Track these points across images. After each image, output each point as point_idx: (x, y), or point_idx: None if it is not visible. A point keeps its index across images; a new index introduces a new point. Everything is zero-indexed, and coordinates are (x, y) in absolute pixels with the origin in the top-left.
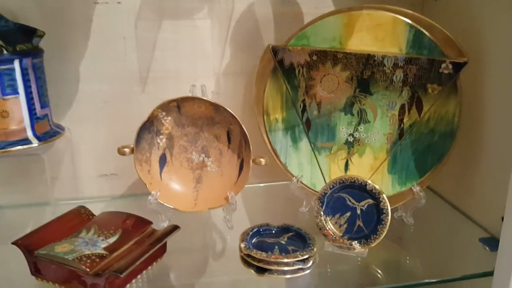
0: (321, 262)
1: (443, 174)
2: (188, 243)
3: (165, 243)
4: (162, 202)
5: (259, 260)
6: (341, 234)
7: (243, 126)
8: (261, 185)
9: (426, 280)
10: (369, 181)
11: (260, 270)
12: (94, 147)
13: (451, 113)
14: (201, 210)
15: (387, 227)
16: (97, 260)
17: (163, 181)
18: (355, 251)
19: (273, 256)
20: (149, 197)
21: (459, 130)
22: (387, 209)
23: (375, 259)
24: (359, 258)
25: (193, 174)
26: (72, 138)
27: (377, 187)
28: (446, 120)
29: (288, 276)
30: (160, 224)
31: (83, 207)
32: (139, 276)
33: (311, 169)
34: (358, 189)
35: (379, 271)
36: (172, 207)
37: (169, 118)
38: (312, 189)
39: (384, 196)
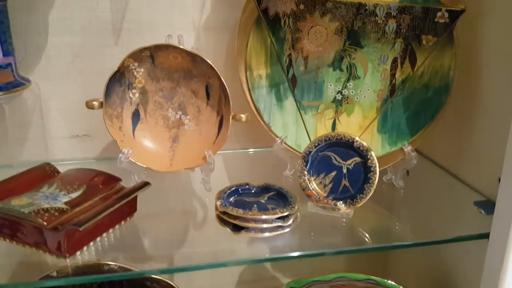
0: (304, 223)
1: (435, 136)
2: (162, 206)
3: (135, 202)
4: (134, 161)
5: (236, 218)
6: (325, 195)
7: (222, 79)
8: (244, 151)
9: (418, 241)
10: (357, 138)
11: (237, 228)
12: (65, 105)
13: (446, 66)
14: (177, 170)
15: (374, 186)
16: (56, 214)
17: (136, 139)
18: (340, 211)
19: (250, 213)
20: (120, 155)
21: (455, 84)
22: (375, 167)
23: (361, 221)
24: (344, 220)
25: (169, 133)
26: (41, 95)
27: (365, 144)
28: (441, 74)
29: (267, 234)
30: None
31: (48, 164)
32: (105, 235)
33: (296, 129)
34: (345, 146)
35: (366, 233)
36: (145, 166)
37: (142, 70)
38: (297, 151)
39: (372, 153)
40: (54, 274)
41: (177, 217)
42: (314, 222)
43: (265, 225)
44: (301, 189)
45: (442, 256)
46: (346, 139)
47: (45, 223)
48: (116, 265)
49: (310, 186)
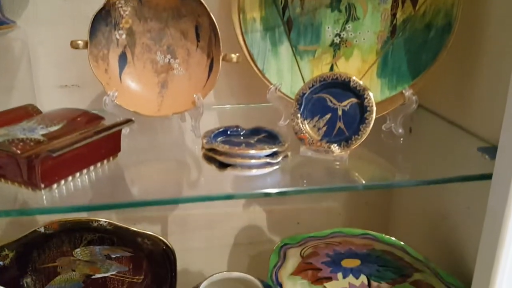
0: (295, 167)
1: (437, 86)
2: (150, 152)
3: (119, 141)
4: (119, 104)
5: (222, 154)
6: (319, 138)
7: (212, 17)
8: (240, 106)
9: (417, 180)
10: (353, 77)
11: (223, 166)
12: (54, 53)
13: (449, 3)
14: (165, 115)
15: (370, 127)
16: (32, 144)
17: (123, 83)
18: (334, 154)
19: (237, 148)
20: (105, 97)
21: (458, 23)
22: (372, 106)
23: (357, 166)
24: (338, 163)
25: (157, 78)
26: (29, 41)
27: (361, 83)
28: (444, 12)
29: (254, 171)
30: None
31: (31, 104)
32: (85, 171)
33: (292, 76)
34: (341, 87)
35: (361, 177)
36: (132, 110)
37: (129, 9)
38: (292, 99)
39: (370, 93)
40: (42, 229)
41: (163, 160)
42: (306, 165)
43: (253, 161)
44: (294, 136)
45: (443, 212)
46: (342, 79)
47: (18, 151)
48: (106, 221)
49: (303, 129)
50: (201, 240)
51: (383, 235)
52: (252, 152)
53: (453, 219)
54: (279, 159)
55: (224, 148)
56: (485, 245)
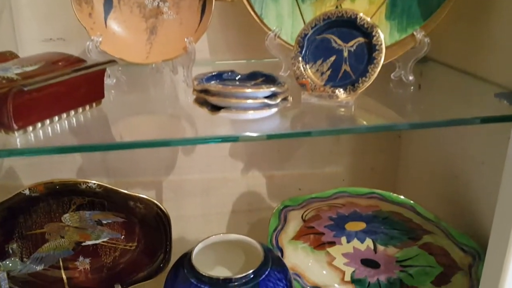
0: (296, 113)
1: (448, 36)
2: (138, 103)
3: (102, 87)
4: (104, 51)
5: (215, 94)
6: (322, 83)
7: None
8: (237, 62)
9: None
10: (360, 14)
11: (216, 108)
12: (37, 4)
13: None
14: (154, 62)
15: (379, 67)
16: (4, 81)
17: (109, 29)
18: (339, 100)
19: (231, 87)
20: (88, 42)
21: None
22: (381, 45)
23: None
24: (343, 109)
25: (146, 24)
26: None
27: (369, 20)
28: None
29: (251, 114)
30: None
31: (10, 51)
32: (65, 115)
33: (293, 22)
34: (347, 25)
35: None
36: (118, 57)
37: None
38: (292, 46)
39: (378, 30)
40: (26, 191)
41: (153, 111)
42: (307, 112)
43: (249, 102)
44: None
45: (455, 171)
46: (348, 16)
47: None
48: (95, 183)
49: (304, 74)
50: (198, 207)
51: (391, 193)
52: (249, 91)
53: (466, 177)
54: (278, 100)
55: (217, 87)
56: (503, 200)
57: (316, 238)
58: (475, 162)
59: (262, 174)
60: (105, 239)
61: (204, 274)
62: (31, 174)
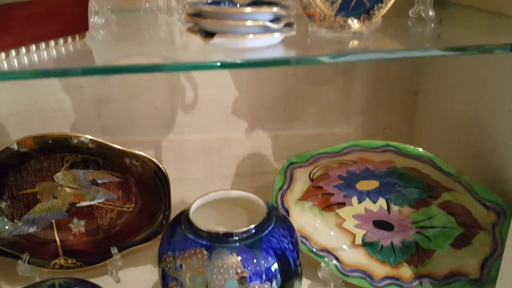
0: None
1: None
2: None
3: (86, 18)
4: None
5: (209, 16)
6: (333, 13)
7: None
8: None
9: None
10: None
11: (211, 35)
12: None
13: None
14: None
15: None
16: None
17: None
18: (351, 30)
19: (227, 7)
20: None
21: None
22: None
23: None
24: (356, 41)
25: None
26: None
27: None
28: None
29: (250, 39)
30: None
31: None
32: (43, 45)
33: None
34: None
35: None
36: None
37: None
38: None
39: None
40: (15, 146)
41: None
42: (316, 43)
43: (248, 24)
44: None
45: (479, 122)
46: None
47: None
48: (87, 138)
49: (313, 3)
50: (199, 169)
51: (407, 146)
52: (248, 10)
53: (491, 128)
54: (282, 25)
55: (212, 8)
56: None
57: (324, 198)
58: (501, 110)
59: (267, 134)
60: (100, 200)
61: (202, 229)
62: (20, 131)
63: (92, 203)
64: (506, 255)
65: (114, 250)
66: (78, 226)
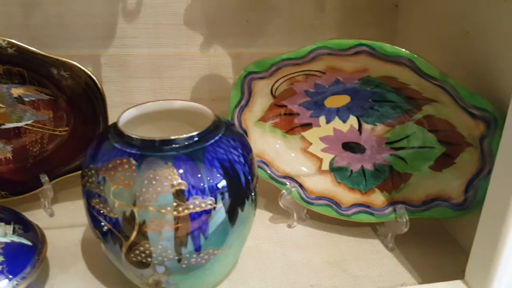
0: None
1: None
2: None
3: None
4: None
5: None
6: None
7: None
8: None
9: None
10: None
11: None
12: None
13: None
14: None
15: None
16: None
17: None
18: None
19: None
20: None
21: None
22: None
23: None
24: None
25: None
26: None
27: None
28: None
29: None
30: None
31: None
32: None
33: None
34: None
35: None
36: None
37: None
38: None
39: None
40: None
41: None
42: None
43: None
44: None
45: (465, 26)
46: None
47: None
48: (5, 40)
49: None
50: (147, 91)
51: (384, 44)
52: None
53: (482, 27)
54: None
55: None
56: None
57: (288, 119)
58: (493, 2)
59: (226, 51)
60: (29, 122)
61: (132, 136)
62: None
63: (19, 124)
64: (496, 172)
65: (44, 177)
66: (4, 152)
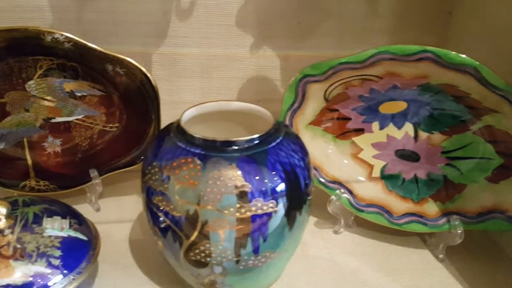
0: None
1: None
2: None
3: None
4: None
5: None
6: None
7: None
8: None
9: None
10: None
11: None
12: None
13: None
14: None
15: None
16: None
17: None
18: None
19: None
20: None
21: None
22: None
23: None
24: None
25: None
26: None
27: None
28: None
29: None
30: None
31: None
32: None
33: None
34: None
35: None
36: None
37: None
38: None
39: None
40: None
41: None
42: None
43: None
44: None
45: None
46: None
47: None
48: (62, 35)
49: None
50: (195, 90)
51: (449, 52)
52: None
53: None
54: None
55: None
56: None
57: (340, 124)
58: None
59: (276, 53)
60: (79, 117)
61: (196, 136)
62: None
63: (69, 119)
64: None
65: (94, 172)
66: (53, 145)
